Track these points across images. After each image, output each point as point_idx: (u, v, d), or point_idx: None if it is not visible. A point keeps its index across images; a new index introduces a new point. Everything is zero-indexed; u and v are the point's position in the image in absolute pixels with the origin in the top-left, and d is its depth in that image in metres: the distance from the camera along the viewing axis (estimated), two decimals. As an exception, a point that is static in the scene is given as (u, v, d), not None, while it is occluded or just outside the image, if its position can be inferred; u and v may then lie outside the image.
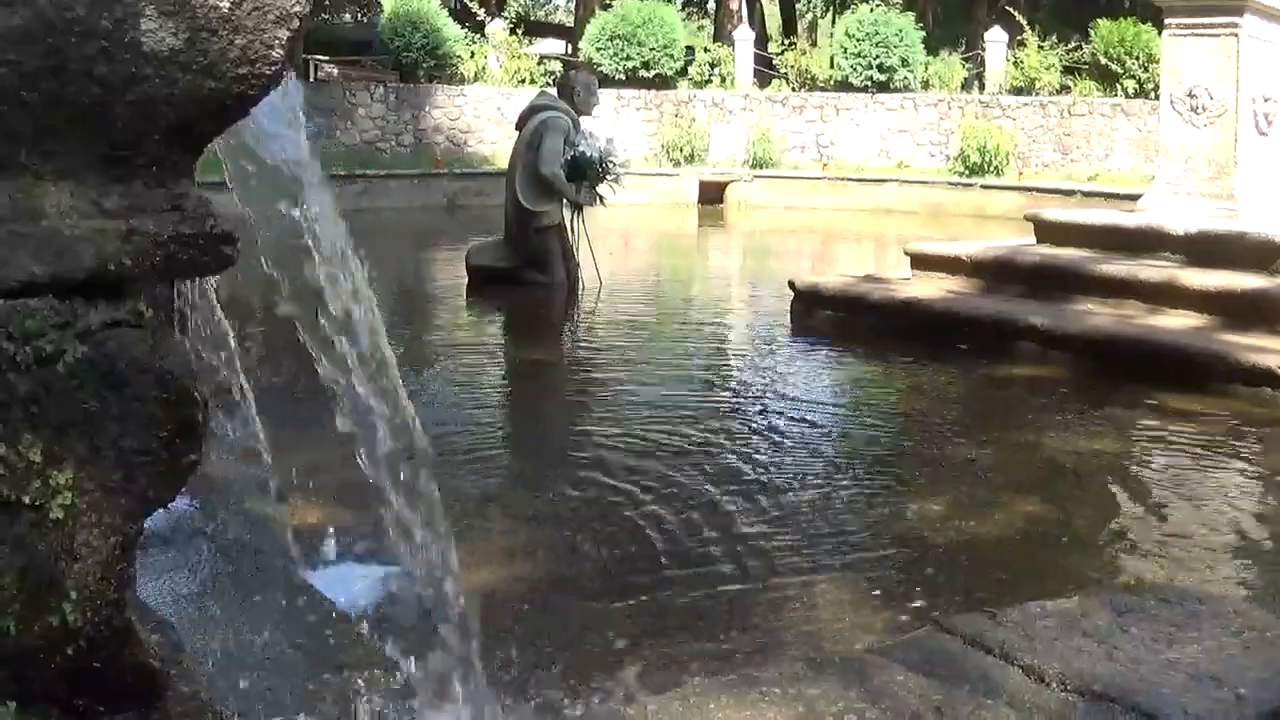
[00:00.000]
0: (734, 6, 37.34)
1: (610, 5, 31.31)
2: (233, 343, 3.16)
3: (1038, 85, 27.19)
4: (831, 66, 29.03)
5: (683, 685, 3.02)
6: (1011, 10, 30.58)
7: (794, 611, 4.33)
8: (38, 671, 1.96)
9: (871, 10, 28.85)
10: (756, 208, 25.09)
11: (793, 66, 29.78)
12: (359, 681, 2.90)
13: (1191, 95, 10.36)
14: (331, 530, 4.74)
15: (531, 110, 12.52)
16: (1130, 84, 25.98)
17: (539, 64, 29.17)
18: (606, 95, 23.26)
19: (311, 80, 28.69)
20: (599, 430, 7.10)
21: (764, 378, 8.91)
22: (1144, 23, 25.22)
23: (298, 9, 1.98)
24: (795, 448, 6.63)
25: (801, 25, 48.84)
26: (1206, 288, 9.02)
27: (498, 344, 10.79)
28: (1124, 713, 2.72)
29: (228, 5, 1.92)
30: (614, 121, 25.54)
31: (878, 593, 4.50)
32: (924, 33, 29.16)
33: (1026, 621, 3.13)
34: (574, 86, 12.75)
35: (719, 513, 5.38)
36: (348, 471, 2.85)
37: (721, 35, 34.58)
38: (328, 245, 2.46)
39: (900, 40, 27.94)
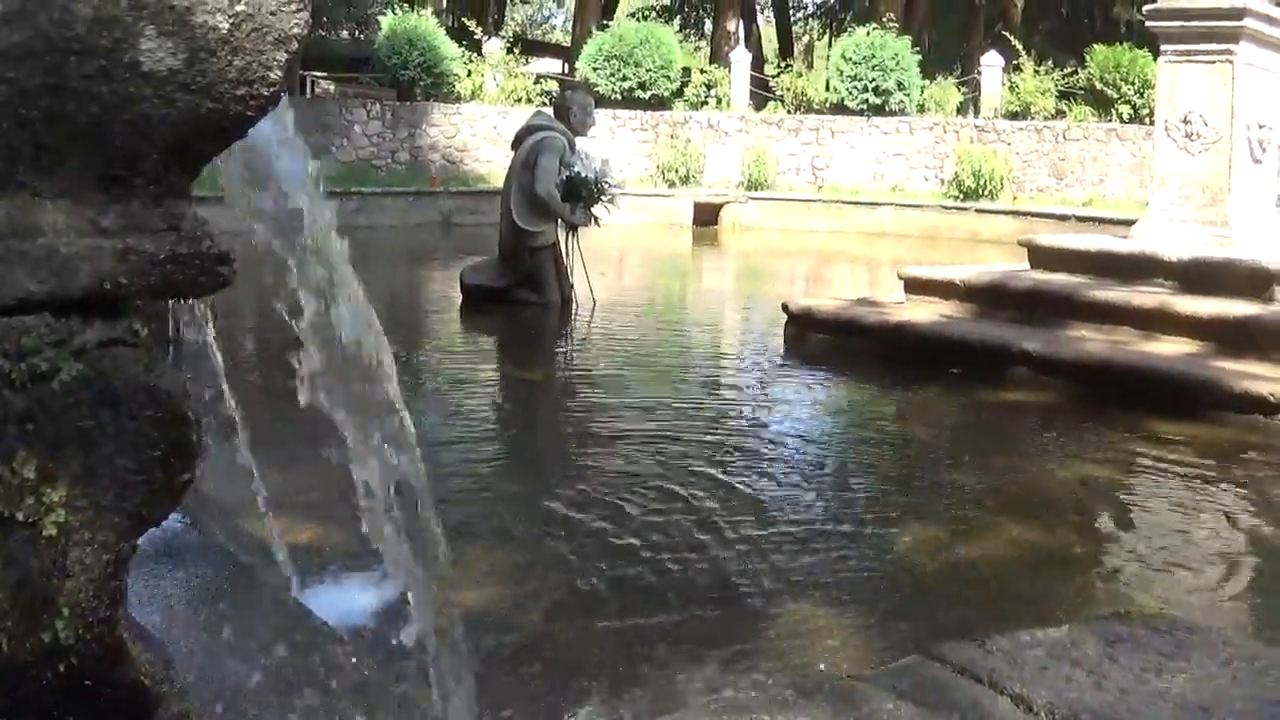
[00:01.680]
0: (730, 28, 37.44)
1: (607, 26, 31.33)
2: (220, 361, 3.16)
3: (1033, 110, 27.23)
4: (827, 89, 29.05)
5: (671, 712, 3.02)
6: (1008, 35, 30.71)
7: (783, 638, 4.32)
8: (28, 689, 1.96)
9: (868, 34, 28.86)
10: (751, 229, 25.11)
11: (789, 89, 29.81)
12: (348, 704, 2.89)
13: (1186, 122, 10.40)
14: (325, 549, 4.74)
15: (528, 130, 12.53)
16: (1125, 109, 26.04)
17: (535, 83, 29.18)
18: (602, 115, 23.27)
19: (308, 96, 28.73)
20: (590, 452, 7.11)
21: (756, 400, 8.91)
22: (1140, 48, 25.27)
23: (296, 31, 1.99)
24: (786, 471, 6.63)
25: (798, 48, 48.94)
26: (1199, 314, 9.04)
27: (490, 363, 10.78)
28: (1113, 742, 2.72)
29: (227, 26, 1.93)
30: (610, 142, 25.58)
31: (867, 619, 4.50)
32: (920, 56, 29.17)
33: (1016, 650, 3.13)
34: (570, 106, 12.78)
35: (708, 536, 5.37)
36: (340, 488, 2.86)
37: (718, 57, 34.63)
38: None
39: (896, 64, 27.96)
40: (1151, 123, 13.03)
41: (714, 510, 5.74)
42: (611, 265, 16.50)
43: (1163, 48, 10.66)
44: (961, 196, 25.49)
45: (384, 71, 27.67)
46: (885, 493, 6.38)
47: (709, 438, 7.40)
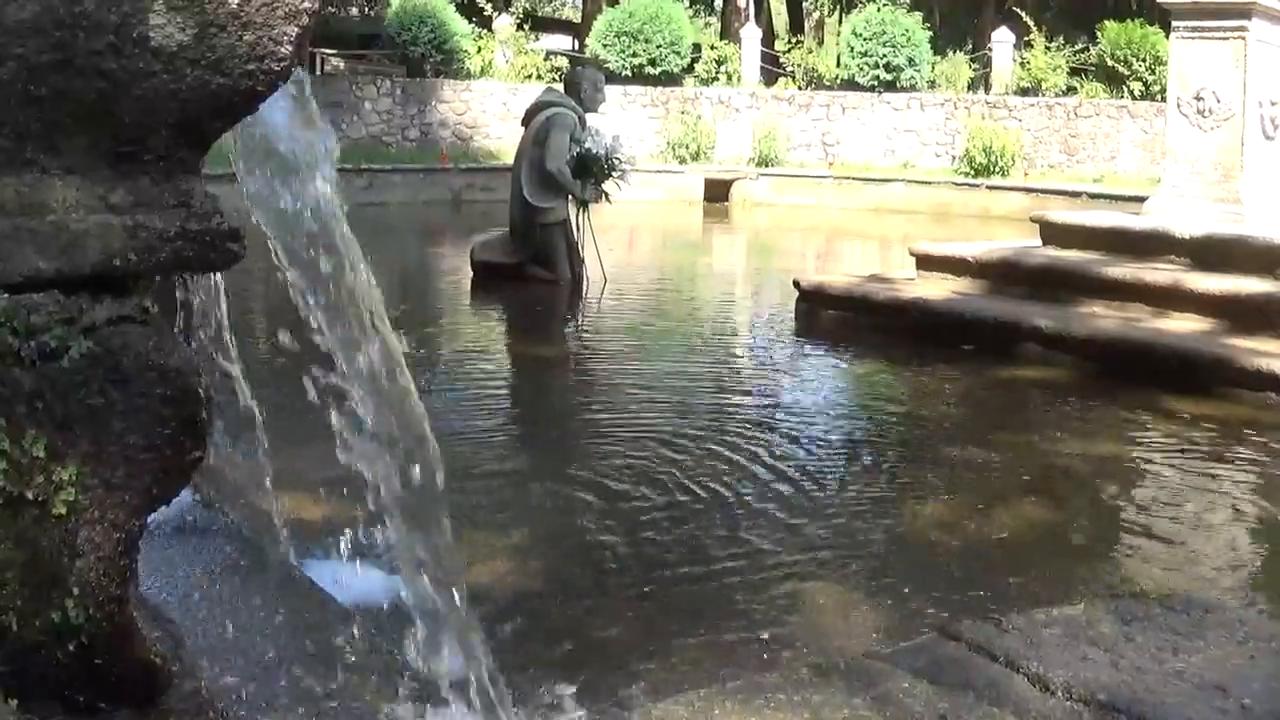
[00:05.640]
0: (741, 4, 37.28)
1: (618, 2, 31.22)
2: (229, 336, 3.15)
3: (1044, 86, 27.11)
4: (838, 65, 28.94)
5: (687, 691, 3.01)
6: (1019, 11, 30.54)
7: (799, 616, 4.31)
8: (39, 667, 1.95)
9: (879, 9, 28.75)
10: (762, 206, 25.05)
11: (799, 65, 29.70)
12: (360, 681, 2.88)
13: (1198, 98, 10.34)
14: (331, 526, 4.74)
15: (538, 106, 12.50)
16: (1137, 86, 25.91)
17: (546, 60, 29.08)
18: (613, 92, 23.20)
19: (318, 74, 28.65)
20: (602, 428, 7.10)
21: (768, 377, 8.90)
22: (1151, 25, 25.16)
23: (307, 6, 1.97)
24: (798, 449, 6.61)
25: (808, 24, 48.79)
26: (1212, 291, 9.01)
27: (501, 340, 10.77)
28: (1128, 722, 2.71)
29: (236, 1, 1.91)
30: (620, 118, 25.48)
31: (883, 597, 4.48)
32: (931, 32, 29.06)
33: (1032, 629, 3.12)
34: (581, 83, 12.75)
35: (721, 514, 5.36)
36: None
37: (728, 33, 34.53)
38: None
39: (907, 40, 27.85)
40: (1163, 99, 13.01)
41: (726, 487, 5.73)
42: (622, 241, 16.47)
43: (1175, 24, 10.60)
44: (972, 173, 25.39)
45: (394, 48, 27.60)
46: (898, 470, 6.36)
47: (719, 415, 7.39)
